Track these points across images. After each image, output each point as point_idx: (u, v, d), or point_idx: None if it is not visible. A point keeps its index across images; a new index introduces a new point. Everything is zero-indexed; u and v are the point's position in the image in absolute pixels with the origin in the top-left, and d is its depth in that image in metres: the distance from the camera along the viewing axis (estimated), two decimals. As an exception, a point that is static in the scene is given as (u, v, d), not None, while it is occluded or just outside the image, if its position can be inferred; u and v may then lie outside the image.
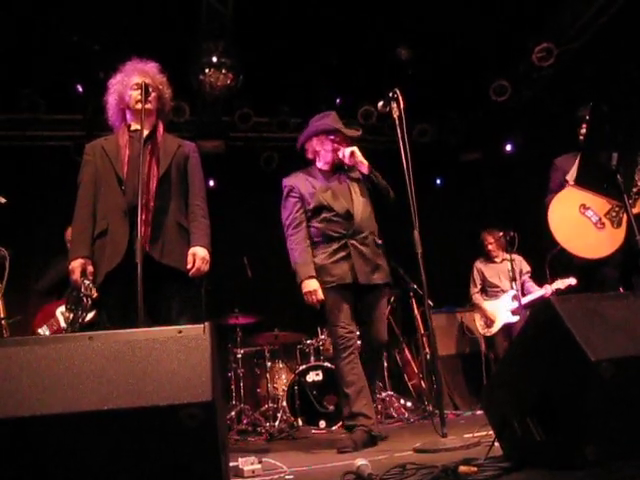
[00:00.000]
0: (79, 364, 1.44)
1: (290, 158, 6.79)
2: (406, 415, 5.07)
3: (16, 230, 5.53)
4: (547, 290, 5.16)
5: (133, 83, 2.88)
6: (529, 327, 1.92)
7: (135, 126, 2.90)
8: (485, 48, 5.83)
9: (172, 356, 1.45)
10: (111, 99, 2.96)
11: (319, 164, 3.69)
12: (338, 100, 6.57)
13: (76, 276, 2.68)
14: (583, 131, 3.54)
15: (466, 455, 2.10)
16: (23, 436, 1.38)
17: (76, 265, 2.68)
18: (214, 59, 5.44)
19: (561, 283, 5.07)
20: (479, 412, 5.07)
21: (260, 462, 2.46)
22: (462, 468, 1.79)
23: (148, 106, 2.87)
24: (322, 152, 3.65)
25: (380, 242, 3.58)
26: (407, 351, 5.96)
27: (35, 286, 4.54)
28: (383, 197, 3.61)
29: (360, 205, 3.53)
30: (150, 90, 2.87)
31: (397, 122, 3.11)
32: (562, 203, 3.34)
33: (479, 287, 5.71)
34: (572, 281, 4.94)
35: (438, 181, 7.68)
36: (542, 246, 3.72)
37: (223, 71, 5.44)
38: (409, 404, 5.39)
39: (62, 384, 1.41)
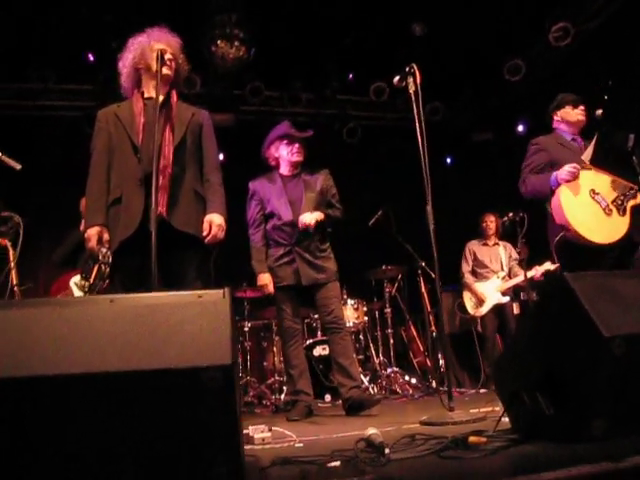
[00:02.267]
0: (101, 326, 1.47)
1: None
2: (410, 391, 5.13)
3: (26, 199, 5.53)
4: (536, 272, 5.18)
5: (158, 48, 2.82)
6: (542, 303, 1.94)
7: (148, 94, 2.88)
8: (500, 26, 5.75)
9: (192, 320, 1.47)
10: (130, 57, 2.89)
11: (281, 169, 4.03)
12: (350, 76, 6.52)
13: (92, 244, 2.66)
14: (562, 116, 3.68)
15: (473, 428, 2.14)
16: (46, 395, 1.41)
17: (92, 233, 2.67)
18: (227, 31, 5.40)
19: (550, 265, 5.10)
20: (482, 390, 5.14)
21: (270, 430, 2.50)
22: (472, 438, 1.82)
23: (168, 72, 2.84)
24: (280, 157, 4.00)
25: (324, 247, 3.91)
26: (413, 328, 6.00)
27: (51, 257, 4.58)
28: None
29: (307, 214, 3.80)
30: (171, 59, 2.86)
31: (413, 97, 3.09)
32: (572, 187, 3.31)
33: (471, 267, 5.73)
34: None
35: (448, 160, 7.65)
36: (548, 232, 3.65)
37: (236, 43, 5.40)
38: (413, 381, 5.44)
39: (84, 345, 1.43)
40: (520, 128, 6.88)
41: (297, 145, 3.95)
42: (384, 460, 1.70)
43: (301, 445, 2.37)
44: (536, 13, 5.68)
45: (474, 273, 5.69)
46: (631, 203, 3.21)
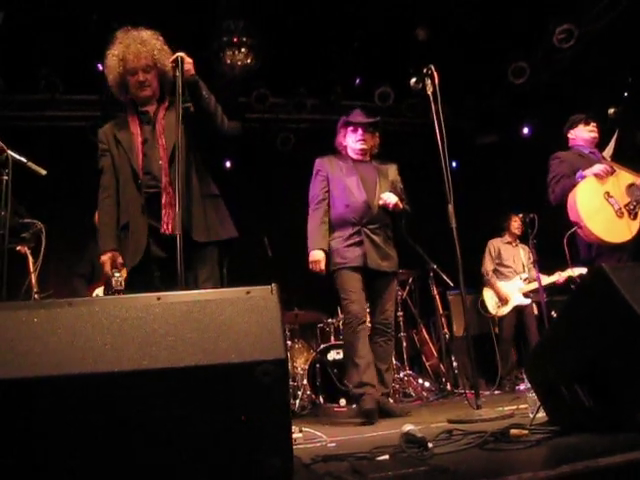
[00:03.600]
0: (151, 323, 1.46)
1: (306, 139, 6.83)
2: (425, 394, 5.12)
3: (36, 209, 5.53)
4: (560, 277, 5.18)
5: (130, 67, 2.73)
6: (579, 295, 1.95)
7: (141, 107, 2.83)
8: (504, 29, 5.79)
9: (243, 315, 1.47)
10: (111, 78, 2.79)
11: (350, 154, 3.92)
12: (358, 80, 6.54)
13: (107, 269, 2.74)
14: (577, 134, 3.91)
15: (503, 425, 2.13)
16: (97, 393, 1.41)
17: (106, 259, 2.74)
18: (234, 38, 5.42)
19: (572, 272, 5.09)
20: (497, 392, 5.14)
21: (300, 431, 2.50)
22: (513, 431, 1.82)
23: (147, 93, 2.79)
24: (348, 146, 3.91)
25: (391, 235, 3.81)
26: (425, 332, 5.99)
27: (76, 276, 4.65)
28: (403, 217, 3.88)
29: (391, 193, 3.73)
30: (147, 79, 2.75)
31: (431, 98, 3.12)
32: (589, 188, 3.49)
33: (494, 265, 5.72)
34: (583, 270, 4.97)
35: (453, 164, 7.66)
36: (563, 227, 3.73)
37: (243, 50, 5.43)
38: (427, 384, 5.43)
39: (135, 342, 1.43)
40: (525, 130, 6.92)
41: (360, 132, 3.84)
42: (428, 454, 1.70)
43: (334, 445, 2.36)
44: (540, 15, 5.73)
45: (495, 271, 5.68)
46: None
